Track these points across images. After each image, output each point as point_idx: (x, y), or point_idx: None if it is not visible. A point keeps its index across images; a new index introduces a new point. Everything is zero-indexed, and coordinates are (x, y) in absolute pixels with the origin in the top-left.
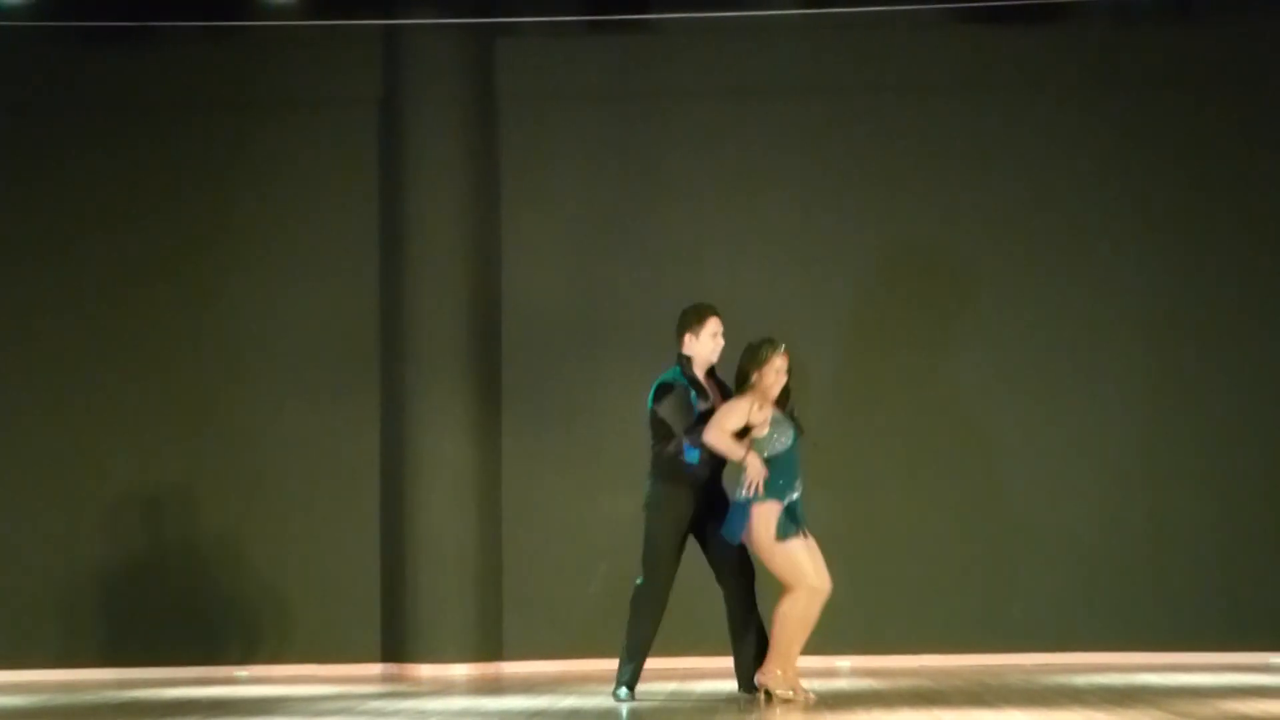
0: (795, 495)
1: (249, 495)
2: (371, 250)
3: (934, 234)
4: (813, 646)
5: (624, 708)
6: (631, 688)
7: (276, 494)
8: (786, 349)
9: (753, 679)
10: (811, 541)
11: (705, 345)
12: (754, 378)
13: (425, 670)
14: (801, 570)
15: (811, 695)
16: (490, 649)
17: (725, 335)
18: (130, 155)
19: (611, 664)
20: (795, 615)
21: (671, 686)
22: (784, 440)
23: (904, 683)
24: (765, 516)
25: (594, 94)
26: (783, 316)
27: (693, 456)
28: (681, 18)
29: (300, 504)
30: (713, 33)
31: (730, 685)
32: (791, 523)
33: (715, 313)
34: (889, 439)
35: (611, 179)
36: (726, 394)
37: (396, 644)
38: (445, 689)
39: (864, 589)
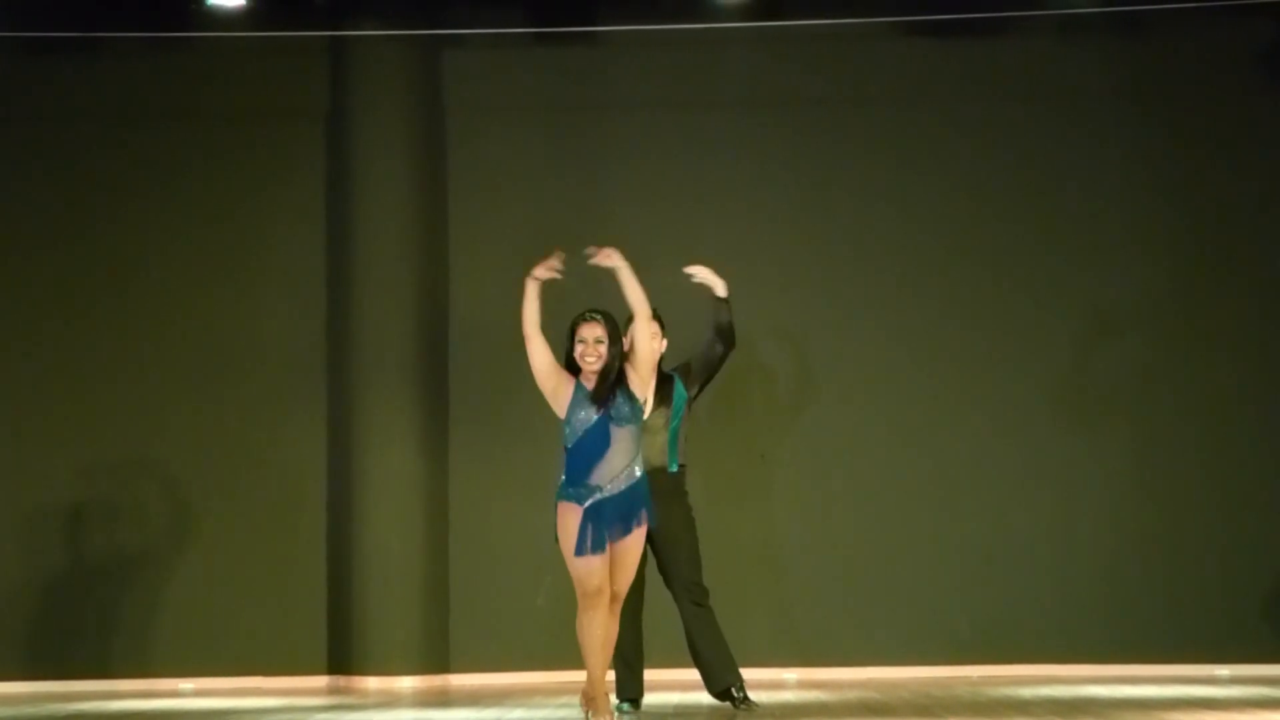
0: (603, 494)
1: (195, 507)
2: (318, 262)
3: (881, 244)
4: (760, 658)
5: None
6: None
7: (223, 506)
8: (594, 317)
9: (718, 684)
10: (625, 543)
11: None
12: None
13: (372, 683)
14: (581, 585)
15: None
16: (437, 661)
17: (672, 341)
18: (74, 166)
19: (557, 676)
20: (579, 629)
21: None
22: (581, 422)
23: (851, 695)
24: (563, 521)
25: (541, 105)
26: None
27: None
28: (628, 30)
29: (247, 516)
30: (659, 45)
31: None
32: (596, 535)
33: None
34: (837, 451)
35: (559, 190)
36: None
37: (343, 656)
38: (392, 701)
39: (811, 601)
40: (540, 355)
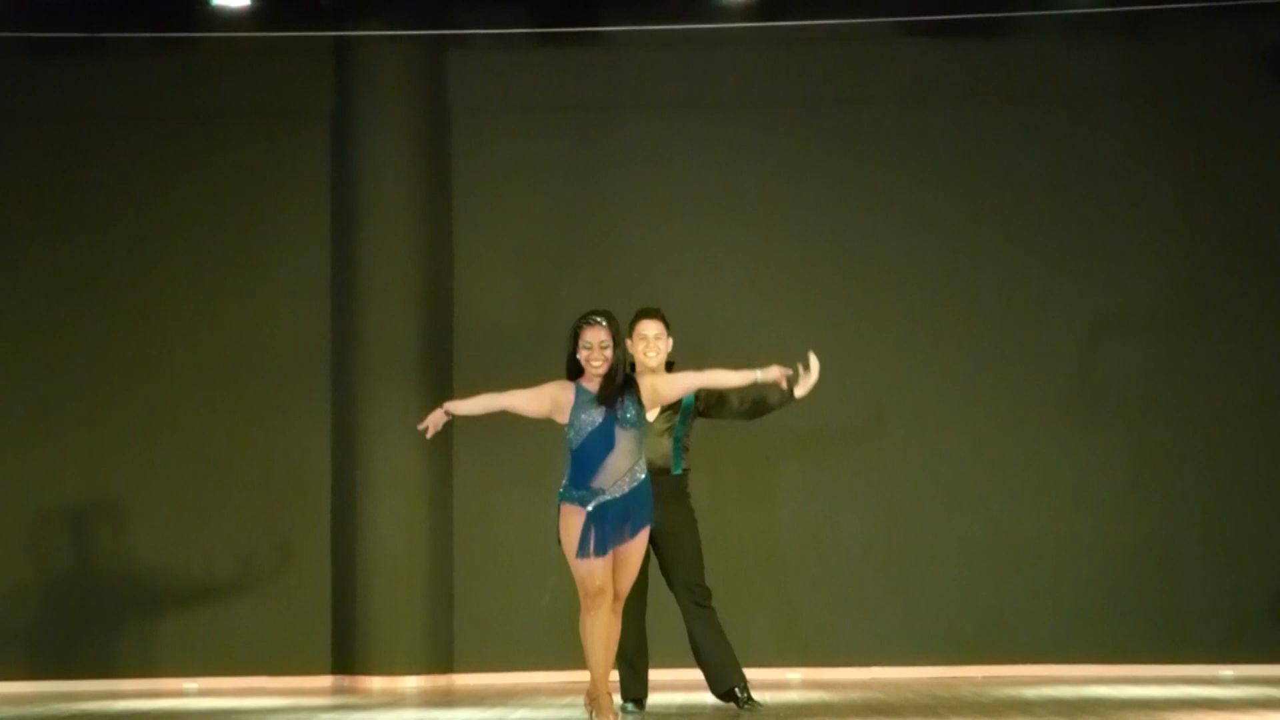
0: (606, 497)
1: (200, 507)
2: (323, 262)
3: (885, 245)
4: (765, 658)
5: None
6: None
7: (227, 505)
8: (598, 320)
9: (722, 685)
10: (628, 545)
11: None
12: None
13: (376, 682)
14: (583, 586)
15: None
16: (441, 661)
17: (678, 342)
18: (79, 166)
19: (561, 676)
20: (582, 629)
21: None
22: (585, 423)
23: (855, 695)
24: (565, 523)
25: (544, 105)
26: (735, 327)
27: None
28: (632, 30)
29: (251, 515)
30: (663, 45)
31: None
32: (598, 537)
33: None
34: (841, 452)
35: (562, 190)
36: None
37: (347, 656)
38: (396, 701)
39: (816, 601)
40: (522, 401)
